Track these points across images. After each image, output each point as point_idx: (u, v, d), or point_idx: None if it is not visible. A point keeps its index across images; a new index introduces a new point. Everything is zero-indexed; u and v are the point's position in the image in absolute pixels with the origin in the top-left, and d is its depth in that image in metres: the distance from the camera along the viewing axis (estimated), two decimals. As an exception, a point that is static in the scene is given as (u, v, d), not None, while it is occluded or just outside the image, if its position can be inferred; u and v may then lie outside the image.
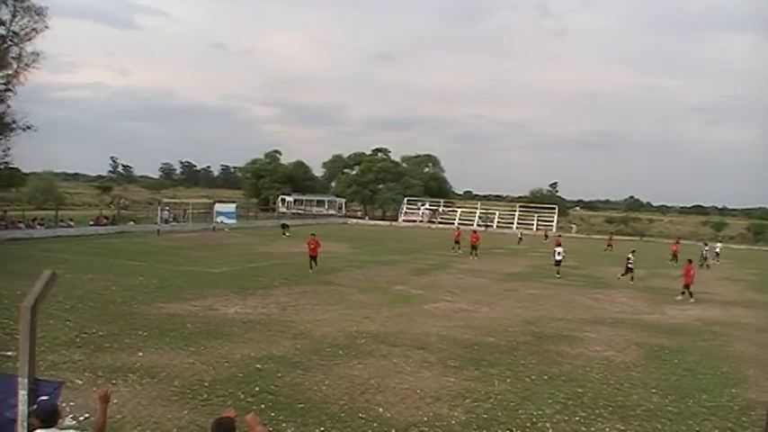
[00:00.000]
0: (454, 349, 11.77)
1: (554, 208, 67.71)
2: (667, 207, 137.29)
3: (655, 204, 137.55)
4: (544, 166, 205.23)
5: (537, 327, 14.41)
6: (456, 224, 57.67)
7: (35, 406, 4.20)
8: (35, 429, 4.05)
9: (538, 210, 67.26)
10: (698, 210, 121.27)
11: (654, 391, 9.74)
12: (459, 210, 71.37)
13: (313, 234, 23.52)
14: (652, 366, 11.34)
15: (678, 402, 9.20)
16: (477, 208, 71.81)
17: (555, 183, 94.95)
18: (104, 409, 4.29)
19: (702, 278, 27.68)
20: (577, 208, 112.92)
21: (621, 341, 13.31)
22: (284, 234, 41.14)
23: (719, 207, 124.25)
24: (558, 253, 25.30)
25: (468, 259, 30.06)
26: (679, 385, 10.16)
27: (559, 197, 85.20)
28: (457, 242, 34.28)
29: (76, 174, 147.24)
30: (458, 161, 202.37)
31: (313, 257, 22.79)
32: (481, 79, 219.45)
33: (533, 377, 10.16)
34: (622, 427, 8.06)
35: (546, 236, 51.13)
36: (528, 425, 7.96)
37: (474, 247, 30.83)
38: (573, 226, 69.28)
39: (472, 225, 58.46)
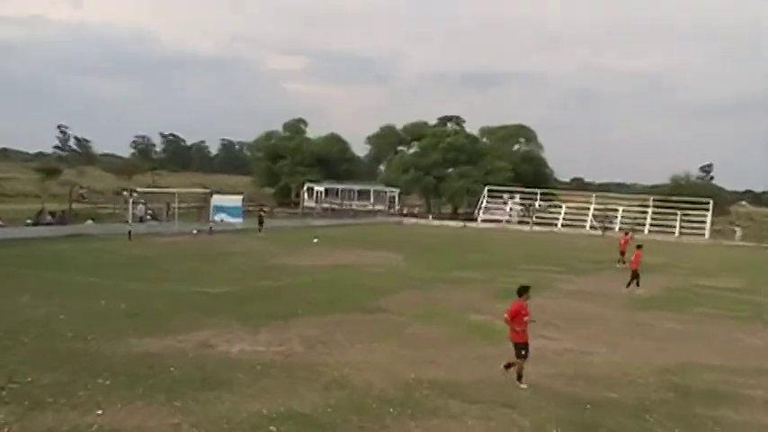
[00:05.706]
0: (556, 409, 11.59)
1: (707, 203, 66.30)
2: None
3: None
4: (690, 142, 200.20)
5: (681, 378, 14.07)
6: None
7: None
8: None
9: (682, 205, 65.75)
10: None
11: None
12: (563, 205, 70.75)
13: None
14: None
15: None
16: (590, 203, 70.85)
17: (709, 165, 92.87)
18: None
19: None
20: (743, 202, 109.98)
21: (812, 402, 12.83)
22: (259, 231, 43.22)
23: None
24: None
25: (576, 278, 29.61)
26: None
27: (716, 186, 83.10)
28: (622, 253, 34.54)
29: (5, 150, 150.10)
30: (563, 135, 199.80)
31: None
32: (601, 12, 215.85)
33: (677, 454, 9.90)
34: None
35: None
36: None
37: (636, 275, 25.72)
38: (737, 229, 67.38)
39: (585, 227, 57.53)
